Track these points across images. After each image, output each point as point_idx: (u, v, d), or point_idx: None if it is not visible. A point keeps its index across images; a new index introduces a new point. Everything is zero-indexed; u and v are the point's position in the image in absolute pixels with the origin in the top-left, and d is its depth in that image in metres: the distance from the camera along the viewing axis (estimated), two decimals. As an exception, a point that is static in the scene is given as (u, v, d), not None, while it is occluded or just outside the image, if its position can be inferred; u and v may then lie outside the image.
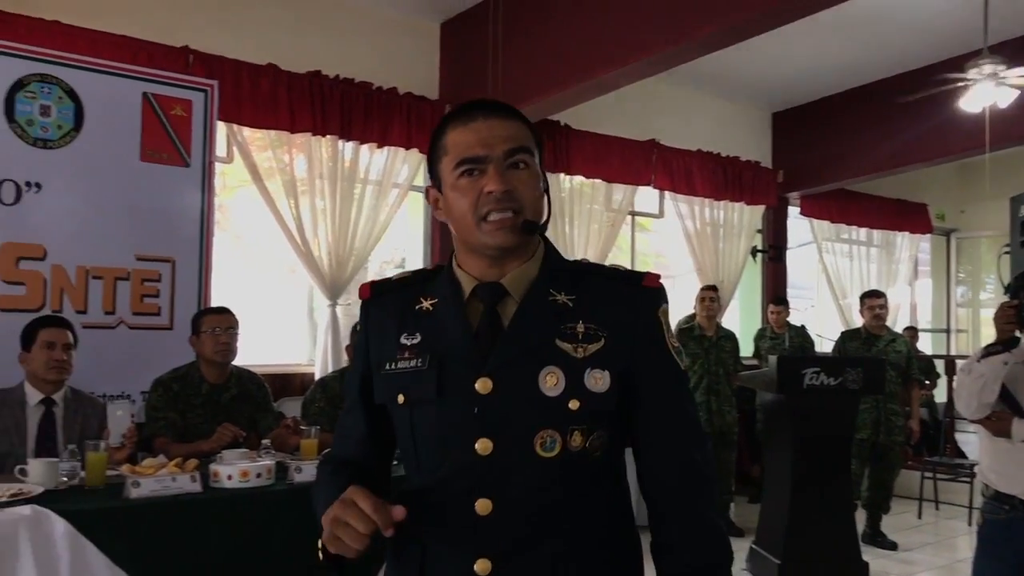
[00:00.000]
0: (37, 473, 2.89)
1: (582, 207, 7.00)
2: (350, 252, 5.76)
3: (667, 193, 7.70)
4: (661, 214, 7.93)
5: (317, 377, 5.31)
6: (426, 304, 1.37)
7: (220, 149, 5.17)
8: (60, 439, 3.44)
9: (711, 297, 6.17)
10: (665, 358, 1.34)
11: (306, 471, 3.14)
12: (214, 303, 4.51)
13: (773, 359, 4.92)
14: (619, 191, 7.25)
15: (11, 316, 3.99)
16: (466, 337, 1.31)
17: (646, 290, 1.36)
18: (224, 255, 5.26)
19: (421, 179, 6.32)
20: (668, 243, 8.25)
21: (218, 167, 4.93)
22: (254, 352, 4.80)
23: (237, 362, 3.95)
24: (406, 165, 6.04)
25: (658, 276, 1.38)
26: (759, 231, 8.44)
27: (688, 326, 6.18)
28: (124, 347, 4.37)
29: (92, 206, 4.33)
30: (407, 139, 5.93)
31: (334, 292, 5.69)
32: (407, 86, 5.95)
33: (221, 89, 4.82)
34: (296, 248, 5.58)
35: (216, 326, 3.81)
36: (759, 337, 7.37)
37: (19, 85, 4.15)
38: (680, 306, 6.56)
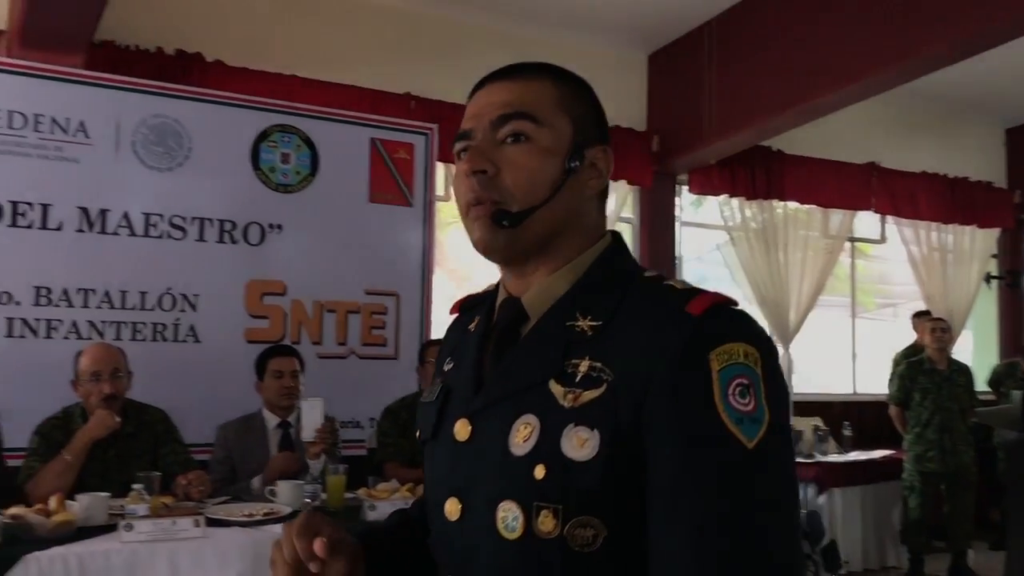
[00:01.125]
0: (285, 494, 3.11)
1: (796, 234, 6.77)
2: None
3: (889, 217, 7.31)
4: (883, 239, 7.53)
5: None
6: (473, 324, 1.11)
7: (438, 188, 5.41)
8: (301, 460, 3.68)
9: (942, 328, 5.77)
10: (694, 427, 0.86)
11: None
12: (435, 335, 4.71)
13: (1017, 394, 4.54)
14: (836, 216, 6.96)
15: (256, 347, 4.33)
16: (472, 368, 1.03)
17: (687, 319, 0.90)
18: (441, 288, 5.47)
19: (629, 210, 6.34)
20: (892, 270, 7.81)
21: (436, 205, 5.17)
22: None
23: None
24: (612, 196, 6.09)
25: (717, 299, 0.92)
26: (994, 256, 7.82)
27: (917, 359, 5.80)
28: (354, 376, 4.64)
29: (326, 245, 4.65)
30: (615, 171, 5.97)
31: (545, 324, 5.78)
32: (614, 119, 6.00)
33: (440, 131, 5.05)
34: (509, 281, 5.73)
35: (436, 357, 3.97)
36: (1006, 375, 6.77)
37: (263, 135, 4.54)
38: (904, 335, 6.17)
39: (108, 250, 4.14)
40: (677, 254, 6.45)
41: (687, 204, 6.69)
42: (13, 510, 2.68)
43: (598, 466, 0.88)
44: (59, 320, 4.03)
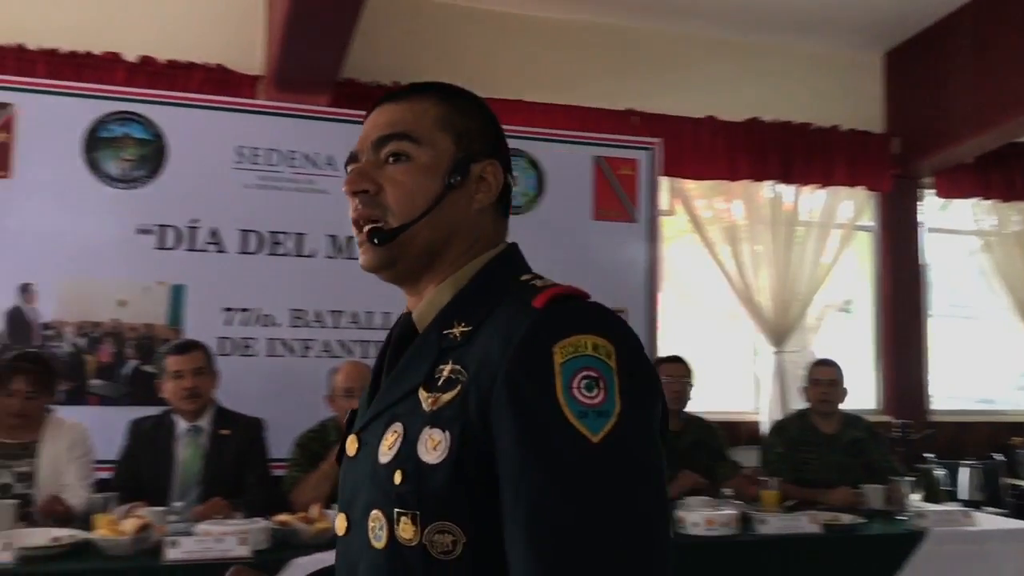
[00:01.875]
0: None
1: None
2: (792, 297, 5.62)
3: None
4: None
5: (763, 425, 5.23)
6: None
7: (662, 202, 5.36)
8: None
9: None
10: (532, 423, 0.84)
11: (771, 523, 3.07)
12: (661, 351, 4.65)
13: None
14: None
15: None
16: (370, 387, 1.05)
17: (530, 313, 0.89)
18: (667, 303, 5.41)
19: (867, 217, 5.99)
20: None
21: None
22: (701, 400, 4.85)
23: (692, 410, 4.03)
24: (850, 203, 5.79)
25: (561, 291, 0.92)
26: None
27: None
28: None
29: (553, 263, 4.59)
30: (851, 177, 5.69)
31: (778, 338, 5.57)
32: (849, 122, 5.71)
33: (665, 145, 5.01)
34: (737, 294, 5.58)
35: (670, 375, 3.93)
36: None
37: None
38: None
39: (355, 274, 4.39)
40: (922, 262, 6.02)
41: (933, 209, 6.23)
42: (280, 517, 2.91)
43: (448, 467, 0.87)
44: (313, 340, 4.35)
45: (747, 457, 4.40)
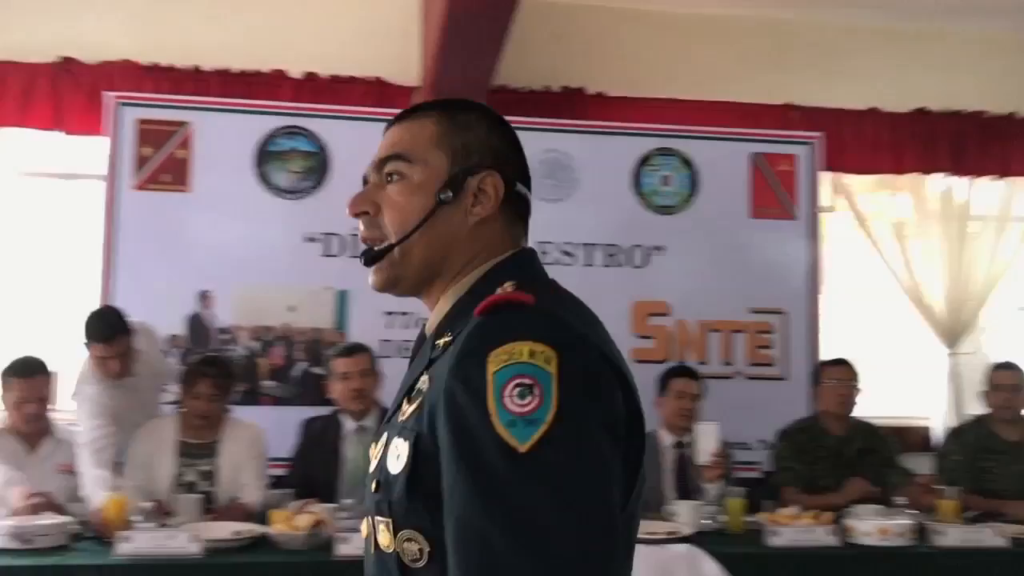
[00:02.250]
0: (685, 514, 3.12)
1: None
2: (966, 296, 5.29)
3: None
4: None
5: (935, 431, 4.96)
6: None
7: (823, 198, 5.17)
8: (694, 480, 3.68)
9: None
10: (462, 440, 0.84)
11: (950, 535, 2.91)
12: (824, 353, 4.49)
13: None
14: None
15: (643, 367, 4.42)
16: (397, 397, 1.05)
17: (472, 322, 0.91)
18: (830, 304, 5.21)
19: (1050, 210, 5.58)
20: None
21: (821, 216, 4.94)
22: (869, 405, 4.64)
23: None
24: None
25: (501, 298, 0.92)
26: None
27: None
28: (740, 397, 4.54)
29: (709, 263, 4.63)
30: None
31: (951, 339, 5.26)
32: (1017, 108, 5.34)
33: (827, 139, 4.83)
34: (907, 294, 5.30)
35: (836, 378, 3.78)
36: None
37: (644, 160, 4.64)
38: None
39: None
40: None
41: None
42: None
43: (404, 477, 0.89)
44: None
45: (919, 464, 4.18)
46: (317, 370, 4.26)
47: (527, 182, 1.11)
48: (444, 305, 1.04)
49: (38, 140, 4.69)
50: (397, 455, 0.93)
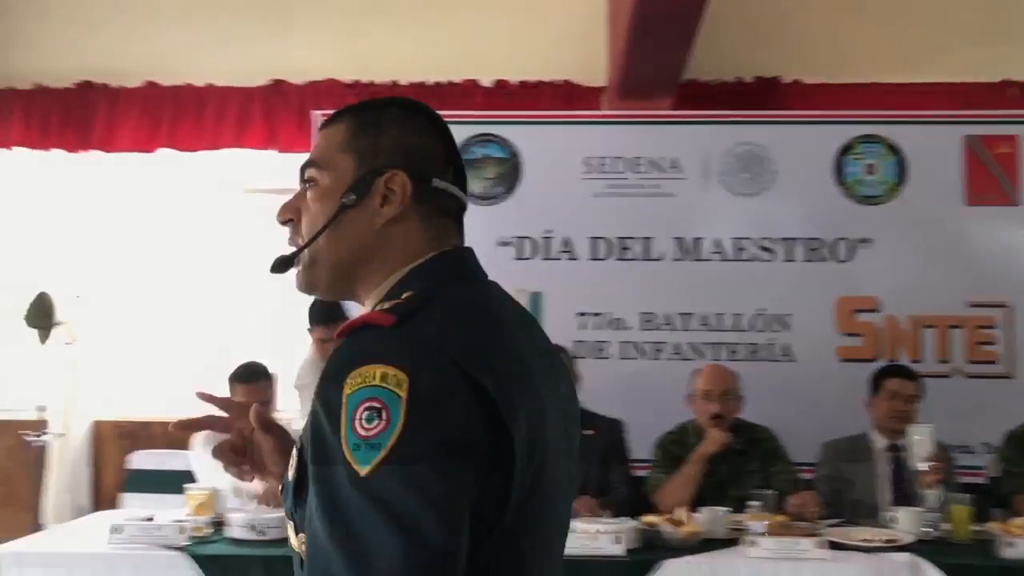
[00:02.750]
0: (905, 521, 2.94)
1: None
2: None
3: None
4: None
5: None
6: None
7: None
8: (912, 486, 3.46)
9: None
10: (317, 455, 0.86)
11: None
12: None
13: None
14: None
15: (850, 366, 4.22)
16: None
17: (338, 343, 0.92)
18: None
19: None
20: None
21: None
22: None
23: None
24: None
25: (362, 320, 0.93)
26: None
27: None
28: (960, 397, 4.24)
29: (920, 255, 4.35)
30: None
31: None
32: None
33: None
34: None
35: None
36: None
37: (846, 149, 4.42)
38: None
39: (703, 276, 4.38)
40: None
41: None
42: (648, 518, 2.96)
43: (292, 485, 0.94)
44: (663, 343, 4.37)
45: None
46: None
47: (456, 177, 1.08)
48: (366, 310, 1.03)
49: (252, 158, 5.06)
50: (291, 465, 0.97)
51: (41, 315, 4.59)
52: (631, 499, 3.38)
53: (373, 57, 4.97)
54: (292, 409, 3.97)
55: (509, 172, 4.47)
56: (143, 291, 5.06)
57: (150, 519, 2.88)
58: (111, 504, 4.84)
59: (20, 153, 5.00)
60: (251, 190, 5.20)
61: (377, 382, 0.85)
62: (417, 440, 0.83)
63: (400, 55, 4.99)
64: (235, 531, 2.87)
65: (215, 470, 1.68)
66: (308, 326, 3.84)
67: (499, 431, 0.89)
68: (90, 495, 4.89)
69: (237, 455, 1.15)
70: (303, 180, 1.07)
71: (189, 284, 5.09)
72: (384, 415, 0.83)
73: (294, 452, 0.97)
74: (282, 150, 4.99)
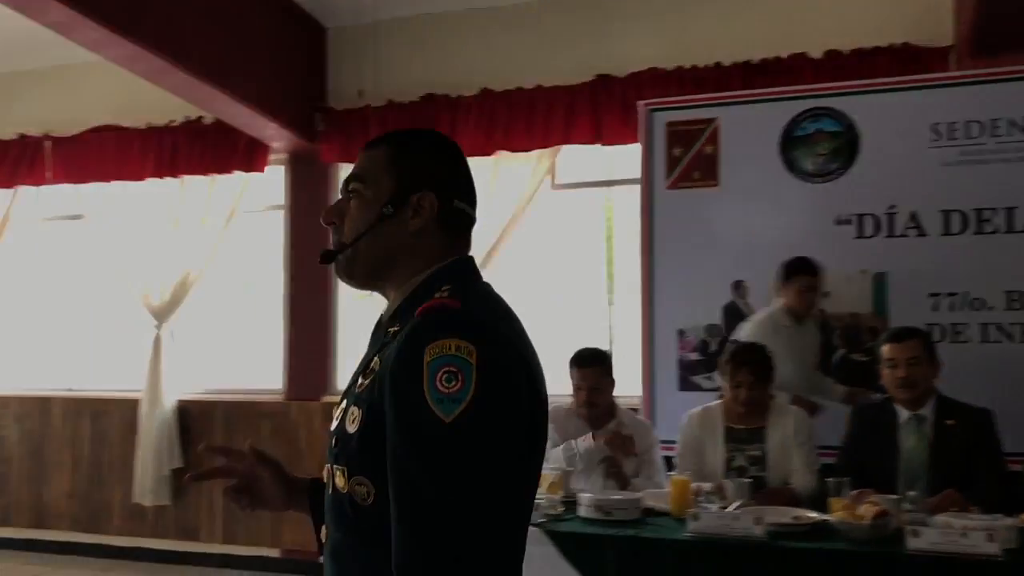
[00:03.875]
0: None
1: None
2: None
3: None
4: None
5: None
6: None
7: None
8: None
9: None
10: (404, 411, 1.09)
11: None
12: None
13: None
14: None
15: None
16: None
17: (413, 321, 1.15)
18: None
19: None
20: None
21: None
22: None
23: None
24: None
25: (444, 302, 1.16)
26: None
27: None
28: None
29: None
30: None
31: None
32: None
33: None
34: None
35: None
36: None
37: None
38: None
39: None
40: None
41: None
42: (1027, 517, 2.67)
43: (358, 436, 1.16)
44: (1034, 324, 3.92)
45: None
46: (857, 356, 4.11)
47: (470, 201, 1.33)
48: (395, 301, 1.28)
49: (574, 153, 5.25)
50: (353, 419, 1.19)
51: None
52: (1005, 495, 3.05)
53: (694, 41, 4.94)
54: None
55: (844, 146, 4.24)
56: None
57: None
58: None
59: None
60: (569, 184, 5.40)
61: (452, 352, 1.09)
62: (489, 396, 1.08)
63: (722, 36, 4.91)
64: (583, 510, 2.98)
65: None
66: (783, 279, 4.03)
67: (534, 395, 1.18)
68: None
69: (241, 493, 1.44)
70: (347, 191, 1.32)
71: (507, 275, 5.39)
72: (460, 377, 1.08)
73: (353, 410, 1.20)
74: (606, 143, 5.11)
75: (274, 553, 5.66)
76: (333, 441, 1.24)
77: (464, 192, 1.33)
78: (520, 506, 1.18)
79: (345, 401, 1.25)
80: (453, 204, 1.29)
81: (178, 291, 5.83)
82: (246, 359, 6.15)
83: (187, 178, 5.88)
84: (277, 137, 5.58)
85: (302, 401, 5.68)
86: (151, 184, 5.93)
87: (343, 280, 1.33)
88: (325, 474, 1.26)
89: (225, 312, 6.21)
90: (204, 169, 5.81)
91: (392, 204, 1.27)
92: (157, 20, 4.39)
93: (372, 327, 1.33)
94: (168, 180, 5.92)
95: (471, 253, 1.33)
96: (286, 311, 5.88)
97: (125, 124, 6.02)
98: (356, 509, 1.18)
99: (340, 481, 1.20)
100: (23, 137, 6.31)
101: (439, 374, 1.08)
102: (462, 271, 1.28)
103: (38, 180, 6.27)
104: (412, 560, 1.06)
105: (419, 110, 5.44)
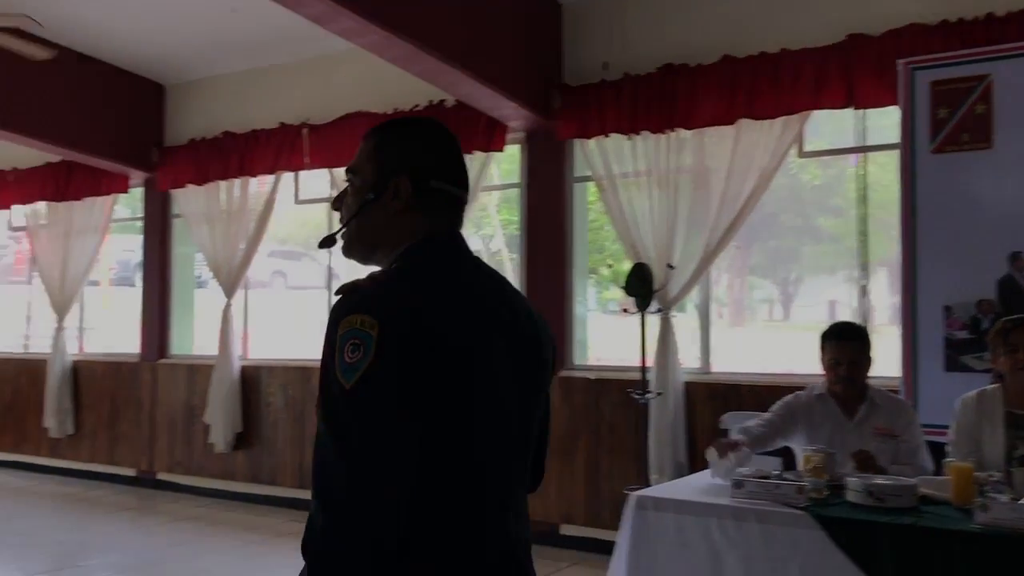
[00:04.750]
0: None
1: None
2: None
3: None
4: None
5: None
6: None
7: None
8: None
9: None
10: (324, 378, 1.29)
11: None
12: None
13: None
14: None
15: None
16: None
17: (337, 299, 1.34)
18: None
19: None
20: None
21: None
22: None
23: None
24: None
25: (348, 285, 1.34)
26: None
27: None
28: None
29: None
30: None
31: None
32: None
33: None
34: None
35: None
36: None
37: None
38: None
39: None
40: None
41: None
42: None
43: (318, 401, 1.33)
44: None
45: None
46: None
47: (451, 179, 1.46)
48: None
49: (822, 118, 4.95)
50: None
51: (640, 283, 5.04)
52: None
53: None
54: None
55: None
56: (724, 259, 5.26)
57: (767, 477, 2.97)
58: (704, 460, 5.12)
59: (615, 139, 5.52)
60: (809, 153, 5.13)
61: (357, 326, 1.26)
62: (385, 365, 1.24)
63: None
64: (852, 495, 2.83)
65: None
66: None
67: (443, 360, 1.28)
68: (686, 452, 5.25)
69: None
70: (346, 181, 1.50)
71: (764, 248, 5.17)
72: (362, 348, 1.24)
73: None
74: (859, 107, 4.81)
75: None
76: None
77: (443, 172, 1.46)
78: (433, 454, 1.28)
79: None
80: (429, 184, 1.44)
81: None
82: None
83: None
84: (515, 116, 5.68)
85: (540, 375, 5.77)
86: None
87: (346, 257, 1.50)
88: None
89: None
90: (446, 150, 6.01)
91: (373, 190, 1.44)
92: (407, 7, 4.57)
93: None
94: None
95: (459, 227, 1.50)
96: (522, 287, 6.00)
97: (373, 110, 6.34)
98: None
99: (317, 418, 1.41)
100: (283, 126, 6.81)
101: (346, 346, 1.25)
102: (424, 249, 1.43)
103: (297, 165, 6.76)
104: (315, 496, 1.25)
105: (656, 82, 5.34)
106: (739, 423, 4.49)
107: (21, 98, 6.60)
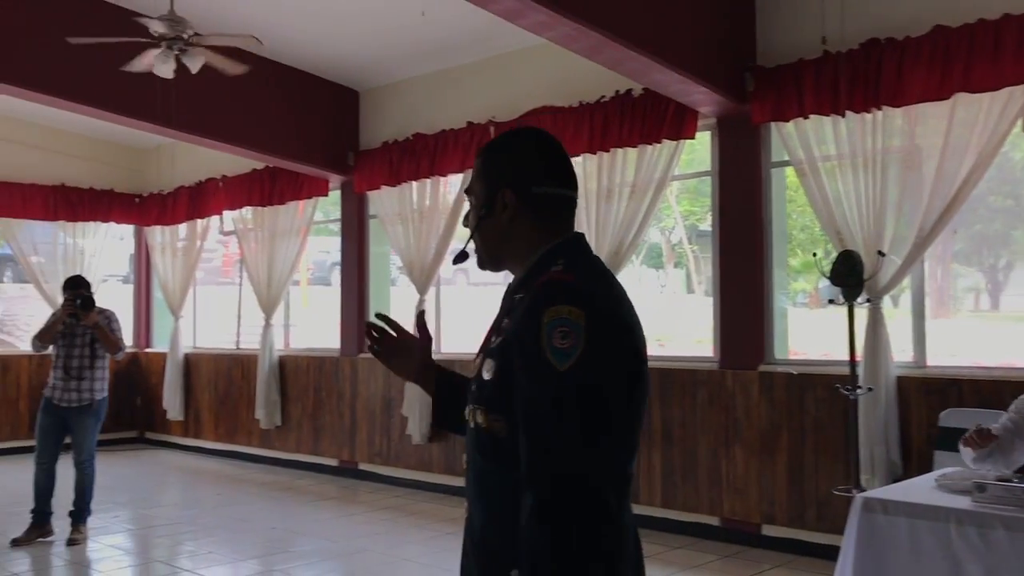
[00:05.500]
0: None
1: None
2: None
3: None
4: None
5: None
6: None
7: None
8: None
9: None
10: (529, 361, 1.41)
11: None
12: None
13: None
14: None
15: None
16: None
17: (535, 288, 1.47)
18: None
19: None
20: None
21: None
22: None
23: None
24: None
25: (559, 275, 1.48)
26: None
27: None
28: None
29: None
30: None
31: None
32: None
33: None
34: None
35: None
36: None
37: None
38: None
39: None
40: None
41: None
42: None
43: (494, 383, 1.50)
44: None
45: None
46: None
47: (556, 182, 1.60)
48: (519, 275, 1.60)
49: None
50: (489, 369, 1.51)
51: (849, 272, 4.76)
52: None
53: None
54: None
55: None
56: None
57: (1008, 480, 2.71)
58: (920, 460, 4.80)
59: (815, 121, 5.24)
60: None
61: (565, 315, 1.39)
62: (594, 352, 1.38)
63: None
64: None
65: None
66: None
67: (632, 351, 1.47)
68: (899, 450, 4.91)
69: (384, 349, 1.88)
70: (468, 200, 1.67)
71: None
72: (571, 336, 1.38)
73: (489, 362, 1.52)
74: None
75: (713, 521, 5.66)
76: (473, 387, 1.57)
77: (545, 177, 1.59)
78: (623, 431, 1.44)
79: (482, 355, 1.58)
80: (531, 191, 1.57)
81: (612, 260, 6.01)
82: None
83: (615, 150, 6.04)
84: (706, 101, 5.50)
85: (737, 370, 5.58)
86: (582, 158, 6.16)
87: (480, 268, 1.68)
88: (467, 413, 1.58)
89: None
90: (633, 140, 5.92)
91: (485, 207, 1.61)
92: (595, -2, 4.51)
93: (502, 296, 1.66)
94: (600, 154, 6.11)
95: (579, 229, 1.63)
96: (716, 279, 5.82)
97: (559, 104, 6.32)
98: (495, 441, 1.49)
99: (481, 418, 1.53)
100: (471, 125, 6.92)
101: (555, 333, 1.38)
102: (572, 249, 1.57)
103: (484, 163, 6.84)
104: (534, 465, 1.38)
105: (859, 59, 5.02)
106: (964, 421, 4.17)
107: (228, 110, 7.05)
